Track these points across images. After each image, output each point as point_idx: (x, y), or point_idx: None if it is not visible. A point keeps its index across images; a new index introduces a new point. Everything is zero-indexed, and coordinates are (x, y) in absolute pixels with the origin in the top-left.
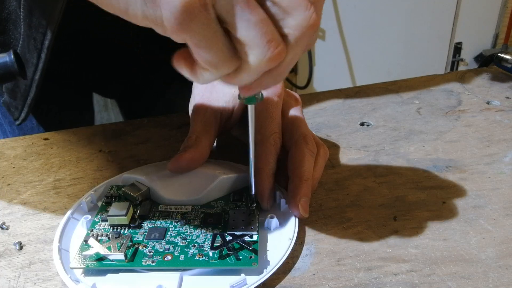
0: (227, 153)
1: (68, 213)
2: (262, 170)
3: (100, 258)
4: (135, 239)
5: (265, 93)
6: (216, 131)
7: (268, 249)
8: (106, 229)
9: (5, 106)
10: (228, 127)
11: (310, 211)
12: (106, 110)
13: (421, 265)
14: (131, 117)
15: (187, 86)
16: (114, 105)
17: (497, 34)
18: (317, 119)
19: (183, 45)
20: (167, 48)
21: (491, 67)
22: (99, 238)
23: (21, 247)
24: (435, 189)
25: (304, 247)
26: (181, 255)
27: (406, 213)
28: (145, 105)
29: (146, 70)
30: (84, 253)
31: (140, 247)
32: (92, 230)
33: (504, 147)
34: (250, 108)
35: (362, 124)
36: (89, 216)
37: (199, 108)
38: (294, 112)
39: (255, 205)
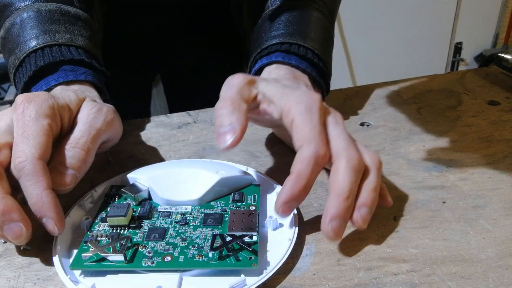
0: (227, 153)
1: (68, 213)
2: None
3: (100, 259)
4: (134, 239)
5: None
6: None
7: (268, 249)
8: (106, 230)
9: None
10: None
11: (311, 211)
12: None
13: (421, 265)
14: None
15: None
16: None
17: (498, 34)
18: None
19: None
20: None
21: (491, 67)
22: (98, 239)
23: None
24: (435, 189)
25: (304, 247)
26: (180, 256)
27: (406, 213)
28: (178, 99)
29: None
30: (84, 254)
31: (139, 247)
32: (91, 231)
33: (504, 147)
34: None
35: (362, 124)
36: (89, 217)
37: None
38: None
39: None
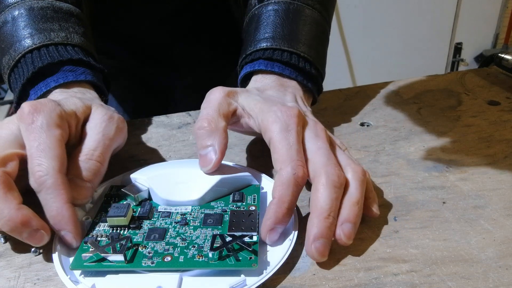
0: (228, 153)
1: None
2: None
3: (100, 259)
4: (134, 240)
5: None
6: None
7: (268, 249)
8: (106, 230)
9: None
10: None
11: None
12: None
13: (421, 265)
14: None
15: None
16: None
17: (498, 34)
18: (317, 119)
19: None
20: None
21: (491, 67)
22: (98, 239)
23: (6, 240)
24: (435, 189)
25: (305, 247)
26: (180, 256)
27: (406, 213)
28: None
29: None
30: (84, 254)
31: (139, 248)
32: (91, 231)
33: (504, 147)
34: None
35: (362, 124)
36: (89, 217)
37: None
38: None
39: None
